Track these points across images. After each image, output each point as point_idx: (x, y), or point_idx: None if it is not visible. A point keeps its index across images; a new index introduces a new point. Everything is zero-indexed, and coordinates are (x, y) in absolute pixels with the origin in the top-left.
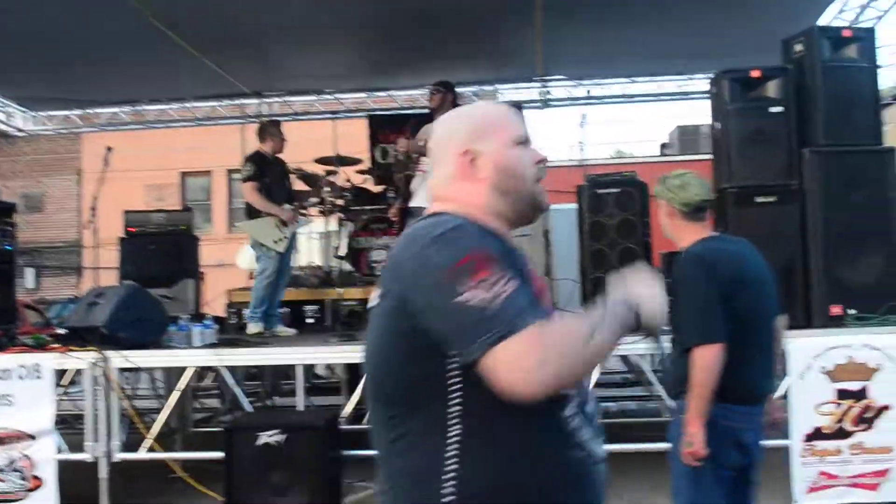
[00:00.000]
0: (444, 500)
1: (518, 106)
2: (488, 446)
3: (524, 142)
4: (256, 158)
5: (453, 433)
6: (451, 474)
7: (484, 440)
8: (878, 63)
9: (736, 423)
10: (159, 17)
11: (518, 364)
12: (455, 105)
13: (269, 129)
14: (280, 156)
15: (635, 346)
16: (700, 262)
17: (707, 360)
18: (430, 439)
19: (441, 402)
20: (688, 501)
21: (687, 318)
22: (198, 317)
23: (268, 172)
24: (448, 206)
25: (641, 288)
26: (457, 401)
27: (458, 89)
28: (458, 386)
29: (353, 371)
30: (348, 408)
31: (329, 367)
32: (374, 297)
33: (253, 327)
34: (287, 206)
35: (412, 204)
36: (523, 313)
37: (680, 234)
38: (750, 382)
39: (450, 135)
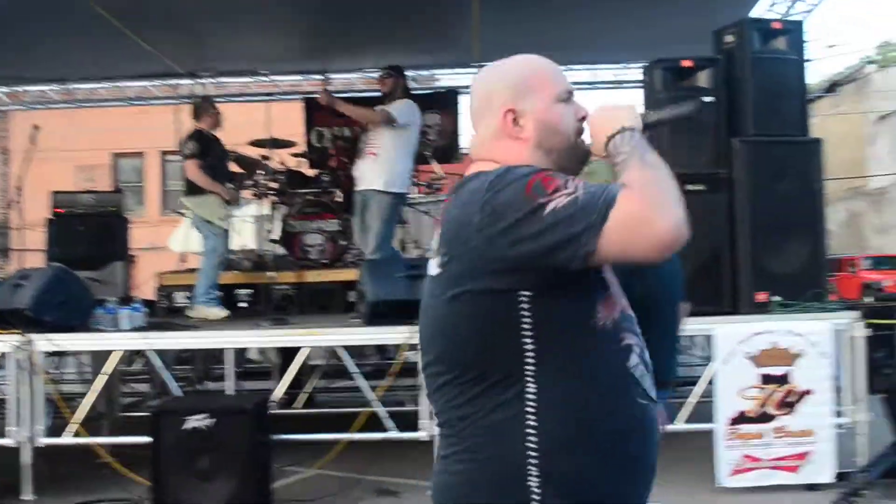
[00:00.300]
0: (528, 452)
1: (454, 92)
2: (564, 399)
3: (567, 97)
4: (197, 136)
5: (530, 388)
6: (531, 429)
7: (559, 393)
8: (806, 56)
9: None
10: None
11: (639, 221)
12: (406, 90)
13: (204, 105)
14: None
15: None
16: None
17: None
18: (508, 397)
19: (516, 359)
20: None
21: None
22: (126, 300)
23: (209, 151)
24: (489, 166)
25: (612, 113)
26: (531, 357)
27: None
28: (532, 343)
29: (286, 355)
30: (278, 392)
31: (261, 351)
32: (432, 266)
33: (218, 311)
34: (229, 185)
35: (361, 188)
36: (608, 187)
37: None
38: (656, 368)
39: (490, 92)
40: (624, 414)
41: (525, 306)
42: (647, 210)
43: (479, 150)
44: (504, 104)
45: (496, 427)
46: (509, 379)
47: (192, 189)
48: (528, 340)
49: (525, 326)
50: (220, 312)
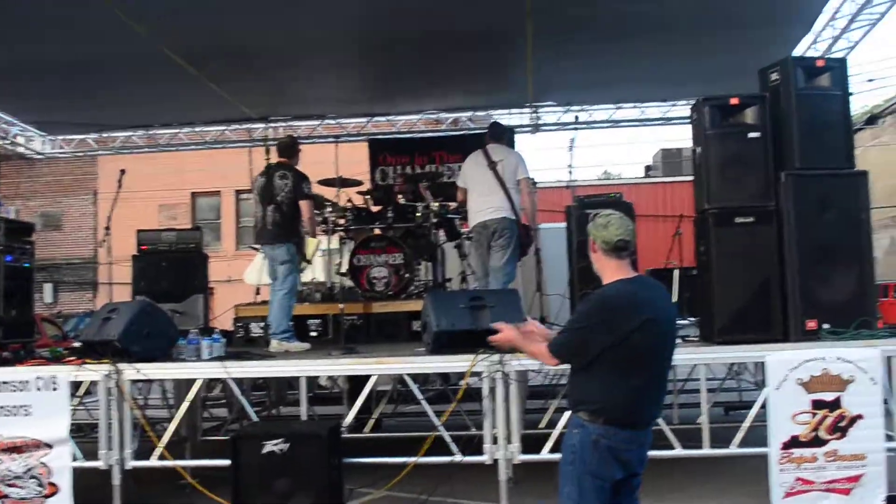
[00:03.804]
0: None
1: (511, 130)
2: None
3: None
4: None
5: None
6: None
7: None
8: (850, 91)
9: (618, 444)
10: (172, 48)
11: None
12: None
13: (298, 148)
14: None
15: None
16: (599, 305)
17: (549, 362)
18: None
19: None
20: None
21: (562, 329)
22: (207, 331)
23: None
24: None
25: None
26: None
27: (454, 115)
28: None
29: (354, 380)
30: (349, 417)
31: (331, 378)
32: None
33: (300, 344)
34: None
35: (470, 225)
36: None
37: (601, 268)
38: (636, 411)
39: None
40: None
41: None
42: None
43: None
44: None
45: None
46: None
47: (290, 228)
48: None
49: None
50: (303, 345)
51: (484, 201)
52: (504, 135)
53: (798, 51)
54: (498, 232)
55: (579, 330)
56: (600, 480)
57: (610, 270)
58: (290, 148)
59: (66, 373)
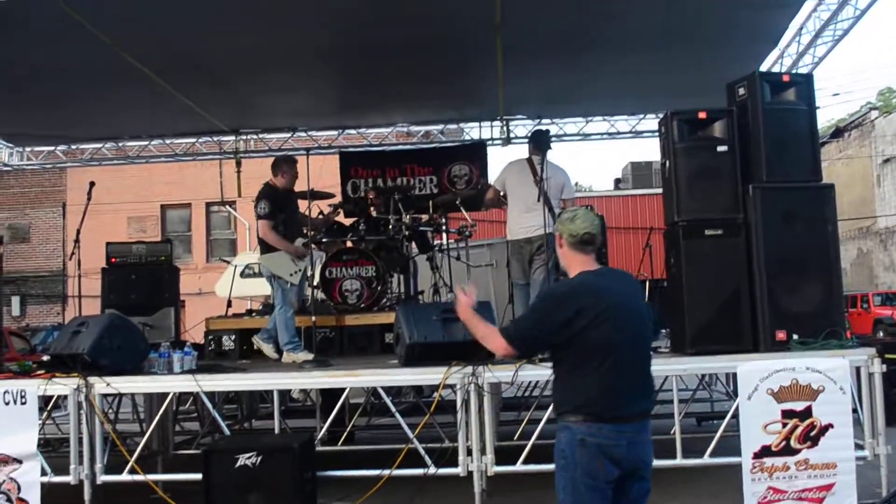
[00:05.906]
0: None
1: (482, 144)
2: None
3: None
4: (271, 194)
5: None
6: None
7: None
8: (816, 105)
9: (604, 440)
10: (141, 60)
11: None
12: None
13: (284, 165)
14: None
15: None
16: (559, 295)
17: (498, 347)
18: None
19: None
20: None
21: (521, 316)
22: (178, 344)
23: (283, 208)
24: None
25: None
26: None
27: (426, 127)
28: None
29: (327, 395)
30: (322, 430)
31: (304, 390)
32: None
33: (302, 355)
34: (300, 239)
35: (510, 238)
36: None
37: (567, 262)
38: (614, 404)
39: None
40: None
41: None
42: None
43: None
44: None
45: None
46: None
47: (265, 246)
48: None
49: None
50: (307, 355)
51: (528, 218)
52: (548, 144)
53: (765, 66)
54: (541, 247)
55: (543, 320)
56: (593, 480)
57: (576, 264)
58: (274, 166)
59: (34, 386)
